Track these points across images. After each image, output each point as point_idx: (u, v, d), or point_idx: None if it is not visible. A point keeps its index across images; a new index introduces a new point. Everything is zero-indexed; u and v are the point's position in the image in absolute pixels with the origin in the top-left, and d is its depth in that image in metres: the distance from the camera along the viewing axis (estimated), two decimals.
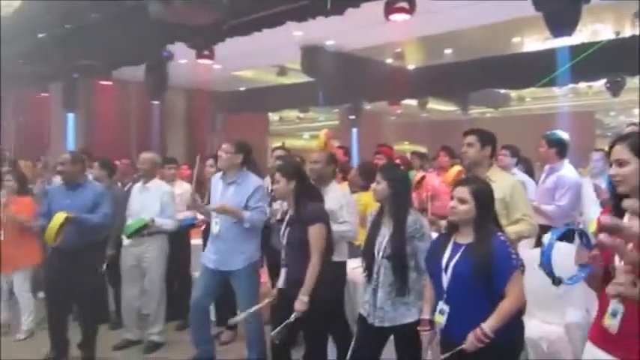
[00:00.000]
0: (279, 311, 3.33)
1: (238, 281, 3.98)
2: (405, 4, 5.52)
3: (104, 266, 4.79)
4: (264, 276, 5.53)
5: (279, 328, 3.07)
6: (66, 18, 6.47)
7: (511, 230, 2.95)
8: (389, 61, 11.66)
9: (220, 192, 4.04)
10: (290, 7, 6.05)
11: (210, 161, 5.04)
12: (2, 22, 6.68)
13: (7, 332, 5.09)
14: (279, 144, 14.07)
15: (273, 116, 17.98)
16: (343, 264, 3.96)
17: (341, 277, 3.91)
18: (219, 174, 4.14)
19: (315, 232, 3.13)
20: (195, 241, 5.46)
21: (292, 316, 3.06)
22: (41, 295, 5.29)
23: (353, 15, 5.86)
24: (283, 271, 3.31)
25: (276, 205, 4.32)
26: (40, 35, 6.88)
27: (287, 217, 3.33)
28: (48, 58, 7.69)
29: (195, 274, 5.31)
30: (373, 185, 2.97)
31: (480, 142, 3.26)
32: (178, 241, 5.05)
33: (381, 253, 2.80)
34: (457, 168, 6.15)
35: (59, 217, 4.03)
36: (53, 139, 11.03)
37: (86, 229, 4.19)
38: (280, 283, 3.31)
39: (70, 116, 9.90)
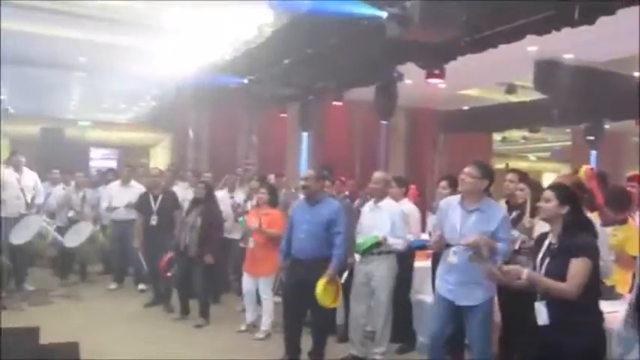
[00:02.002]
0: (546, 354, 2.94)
1: (474, 316, 3.71)
2: None
3: (345, 275, 4.97)
4: None
5: None
6: (309, 43, 6.97)
7: None
8: (637, 74, 10.30)
9: (460, 220, 3.72)
10: (532, 20, 5.65)
11: (443, 183, 4.91)
12: (255, 50, 7.50)
13: (251, 331, 5.61)
14: (501, 165, 13.38)
15: (496, 136, 17.18)
16: None
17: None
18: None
19: (576, 265, 2.74)
20: (420, 263, 5.38)
21: None
22: (276, 299, 5.71)
23: (599, 25, 5.22)
24: (543, 308, 2.91)
25: (515, 232, 4.00)
26: (286, 61, 7.52)
27: (546, 244, 2.98)
28: (290, 82, 8.40)
29: (419, 296, 5.22)
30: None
31: None
32: (405, 262, 5.00)
33: None
34: None
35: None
36: (288, 156, 12.04)
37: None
38: (541, 320, 2.91)
39: (304, 135, 10.66)
